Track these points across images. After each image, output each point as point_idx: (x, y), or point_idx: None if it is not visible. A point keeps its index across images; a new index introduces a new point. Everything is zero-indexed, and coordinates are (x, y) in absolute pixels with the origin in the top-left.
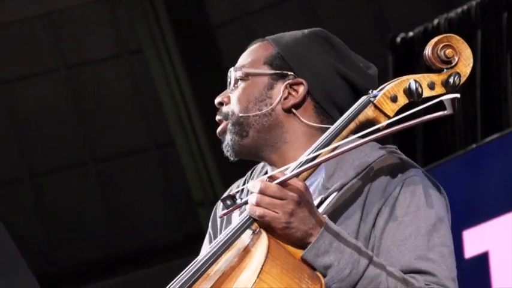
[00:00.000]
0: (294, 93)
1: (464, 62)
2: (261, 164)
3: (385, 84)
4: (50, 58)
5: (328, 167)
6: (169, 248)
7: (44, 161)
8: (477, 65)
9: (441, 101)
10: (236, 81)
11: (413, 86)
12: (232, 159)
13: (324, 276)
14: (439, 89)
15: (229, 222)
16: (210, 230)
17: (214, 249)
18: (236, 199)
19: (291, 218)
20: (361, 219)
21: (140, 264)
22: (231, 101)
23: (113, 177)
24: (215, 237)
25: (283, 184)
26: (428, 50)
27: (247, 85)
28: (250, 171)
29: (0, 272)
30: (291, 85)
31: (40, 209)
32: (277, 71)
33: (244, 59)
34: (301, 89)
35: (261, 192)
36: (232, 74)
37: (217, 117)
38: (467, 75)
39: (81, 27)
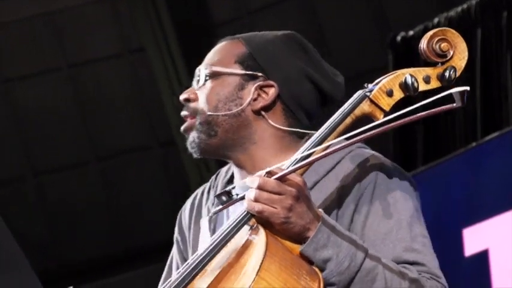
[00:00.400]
0: (263, 95)
1: (459, 55)
2: (225, 168)
3: (380, 79)
4: (51, 57)
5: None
6: (170, 246)
7: (46, 160)
8: (477, 64)
9: (441, 94)
10: (205, 78)
11: (409, 81)
12: (196, 156)
13: (322, 270)
14: (434, 83)
15: (220, 220)
16: (177, 235)
17: (212, 246)
18: (232, 195)
19: (289, 213)
20: (337, 215)
21: (141, 262)
22: (200, 99)
23: (114, 175)
24: (183, 243)
25: (282, 179)
26: (423, 44)
27: (217, 83)
28: (214, 176)
29: (2, 269)
30: (261, 87)
31: (42, 207)
32: (249, 72)
33: (214, 56)
34: (272, 92)
35: (260, 187)
36: (202, 71)
37: (184, 113)
38: (462, 68)
39: (82, 27)
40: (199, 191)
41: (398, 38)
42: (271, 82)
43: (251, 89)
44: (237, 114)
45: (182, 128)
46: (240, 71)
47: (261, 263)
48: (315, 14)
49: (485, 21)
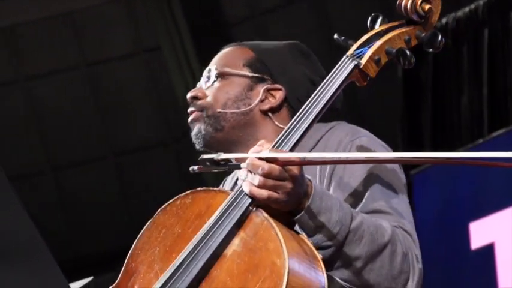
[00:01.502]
0: (270, 97)
1: (435, 11)
2: None
3: (364, 42)
4: (71, 55)
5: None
6: None
7: (64, 155)
8: (484, 63)
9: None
10: (215, 78)
11: (405, 57)
12: (198, 148)
13: (313, 236)
14: (413, 42)
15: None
16: None
17: (210, 233)
18: (222, 164)
19: (288, 196)
20: (320, 178)
21: None
22: (209, 96)
23: (130, 170)
24: None
25: (282, 164)
26: (407, 2)
27: (227, 83)
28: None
29: (25, 257)
30: (269, 89)
31: (60, 200)
32: (257, 75)
33: (222, 58)
34: (279, 94)
35: (265, 175)
36: (212, 71)
37: (191, 109)
38: (435, 23)
39: (100, 26)
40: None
41: None
42: (279, 86)
43: (259, 90)
44: (245, 112)
45: (189, 119)
46: (249, 73)
47: (285, 248)
48: (327, 13)
49: (492, 22)
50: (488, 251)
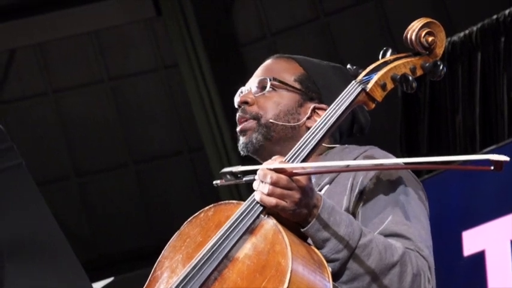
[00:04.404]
0: (316, 116)
1: (440, 44)
2: None
3: (371, 68)
4: (96, 71)
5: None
6: None
7: (88, 162)
8: (477, 84)
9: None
10: (270, 88)
11: (407, 82)
12: (243, 153)
13: (321, 248)
14: (419, 72)
15: None
16: None
17: (224, 237)
18: (239, 176)
19: (296, 205)
20: (349, 201)
21: None
22: (262, 105)
23: (149, 177)
24: None
25: (291, 175)
26: (412, 35)
27: (279, 95)
28: None
29: (50, 257)
30: (316, 108)
31: (84, 204)
32: (308, 92)
33: (273, 69)
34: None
35: (273, 183)
36: (267, 80)
37: (241, 114)
38: (440, 55)
39: (123, 44)
40: None
41: None
42: (325, 106)
43: (308, 107)
44: (293, 127)
45: (240, 127)
46: (301, 88)
47: (291, 251)
48: (331, 35)
49: (485, 46)
50: (480, 257)
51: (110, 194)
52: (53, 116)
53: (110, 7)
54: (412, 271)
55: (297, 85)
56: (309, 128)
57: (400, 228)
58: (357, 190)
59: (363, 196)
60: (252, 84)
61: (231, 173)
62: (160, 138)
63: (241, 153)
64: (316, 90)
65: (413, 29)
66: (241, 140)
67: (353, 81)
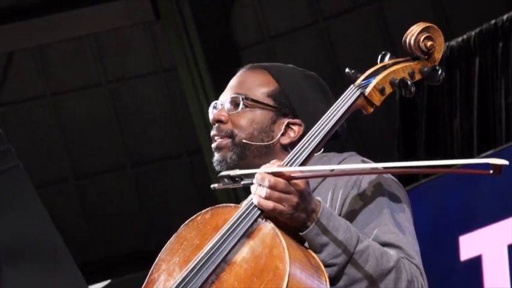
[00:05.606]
0: (290, 131)
1: (438, 48)
2: None
3: (370, 74)
4: (95, 73)
5: None
6: None
7: (86, 164)
8: (475, 88)
9: None
10: (242, 105)
11: (405, 87)
12: (218, 169)
13: (319, 253)
14: (417, 76)
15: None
16: None
17: (221, 240)
18: (236, 179)
19: (294, 209)
20: (332, 205)
21: None
22: (235, 124)
23: (148, 179)
24: None
25: (288, 179)
26: (411, 40)
27: (252, 113)
28: None
29: (48, 262)
30: (290, 123)
31: (82, 206)
32: (281, 108)
33: (246, 85)
34: (299, 129)
35: (271, 187)
36: (239, 97)
37: (215, 133)
38: (438, 60)
39: (122, 47)
40: None
41: None
42: (299, 121)
43: (281, 124)
44: (267, 146)
45: (215, 145)
46: (274, 105)
47: (288, 254)
48: (330, 39)
49: (483, 50)
50: (476, 262)
51: (109, 196)
52: (52, 118)
53: (109, 10)
54: (407, 277)
55: (270, 101)
56: (283, 145)
57: (389, 237)
58: (337, 203)
59: (344, 209)
60: (225, 99)
61: (229, 177)
62: (158, 141)
63: (216, 169)
64: (289, 105)
65: (412, 33)
66: (216, 156)
67: (351, 86)
